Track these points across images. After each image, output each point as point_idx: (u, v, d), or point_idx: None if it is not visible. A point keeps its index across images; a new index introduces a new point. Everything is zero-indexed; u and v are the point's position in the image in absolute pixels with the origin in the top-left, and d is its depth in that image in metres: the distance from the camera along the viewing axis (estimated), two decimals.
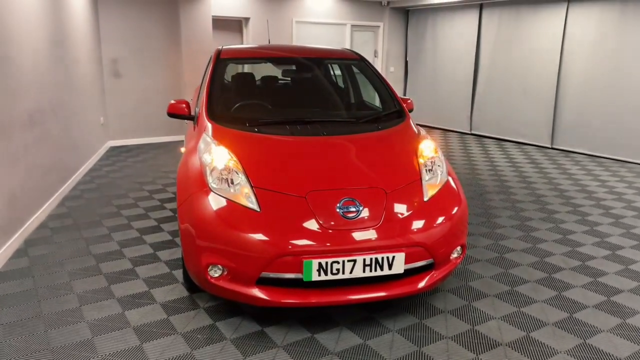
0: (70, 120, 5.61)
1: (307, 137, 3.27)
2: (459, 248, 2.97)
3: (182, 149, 3.91)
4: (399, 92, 10.40)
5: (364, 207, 2.74)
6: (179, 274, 3.47)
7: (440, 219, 2.84)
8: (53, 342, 2.67)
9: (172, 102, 3.74)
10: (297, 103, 4.15)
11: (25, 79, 4.22)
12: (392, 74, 10.52)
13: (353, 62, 4.35)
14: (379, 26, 10.29)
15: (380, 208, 2.76)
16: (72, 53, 5.80)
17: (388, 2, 10.11)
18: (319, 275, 2.59)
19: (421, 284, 2.80)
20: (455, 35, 9.50)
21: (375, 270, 2.65)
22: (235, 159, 2.92)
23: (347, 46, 9.90)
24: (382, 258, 2.64)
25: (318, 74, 4.40)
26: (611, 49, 7.25)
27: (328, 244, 2.60)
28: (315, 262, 2.56)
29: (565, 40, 7.80)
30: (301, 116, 3.66)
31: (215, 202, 2.73)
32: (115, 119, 7.83)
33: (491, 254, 3.90)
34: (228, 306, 3.05)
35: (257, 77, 4.52)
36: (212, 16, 8.20)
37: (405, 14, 10.53)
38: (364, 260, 2.62)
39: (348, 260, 2.60)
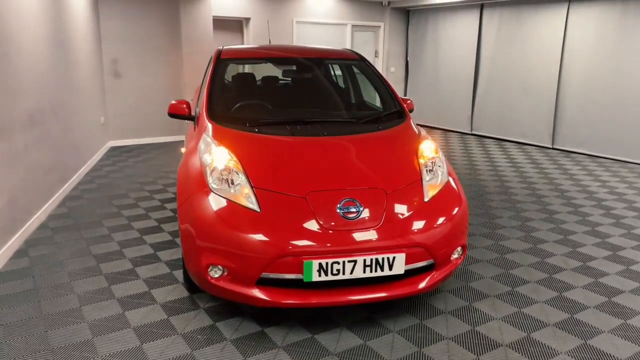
0: (71, 120, 5.61)
1: (308, 137, 3.27)
2: (459, 249, 2.96)
3: (183, 149, 3.91)
4: (399, 93, 10.41)
5: (365, 208, 2.73)
6: (179, 274, 3.47)
7: (440, 220, 2.83)
8: (53, 342, 2.67)
9: (173, 102, 3.74)
10: (297, 103, 4.14)
11: (26, 79, 4.22)
12: (392, 74, 10.51)
13: (353, 62, 4.35)
14: (379, 26, 10.29)
15: (380, 208, 2.76)
16: (72, 53, 5.80)
17: (389, 2, 10.11)
18: (320, 275, 2.58)
19: (422, 285, 2.80)
20: (456, 35, 9.49)
21: (376, 270, 2.64)
22: (235, 159, 2.92)
23: (348, 46, 9.89)
24: (383, 259, 2.63)
25: (318, 74, 4.40)
26: (612, 49, 7.24)
27: (328, 245, 2.59)
28: (315, 263, 2.56)
29: (566, 40, 7.79)
30: (301, 116, 3.65)
31: (215, 202, 2.73)
32: (116, 119, 7.83)
33: (492, 254, 3.90)
34: (228, 307, 3.04)
35: (258, 77, 4.52)
36: (213, 16, 8.20)
37: (406, 14, 10.52)
38: (365, 260, 2.61)
39: (348, 261, 2.59)
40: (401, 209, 2.80)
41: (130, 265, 3.61)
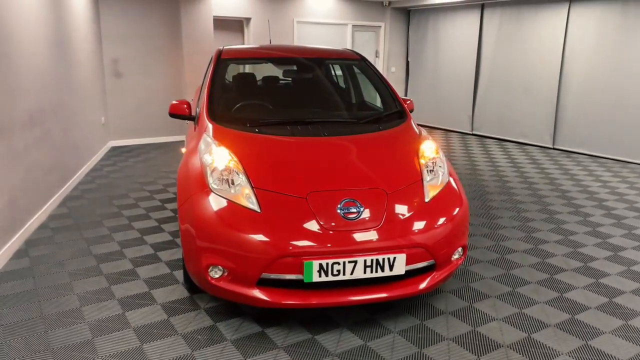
0: (71, 120, 5.61)
1: (308, 137, 3.26)
2: (460, 249, 2.96)
3: (183, 150, 3.91)
4: (400, 93, 10.41)
5: (365, 208, 2.73)
6: (179, 274, 3.47)
7: (441, 220, 2.83)
8: (53, 342, 2.67)
9: (174, 102, 3.74)
10: (298, 103, 4.14)
11: (26, 79, 4.22)
12: (393, 74, 10.51)
13: (354, 62, 4.34)
14: (380, 26, 10.28)
15: (381, 209, 2.75)
16: (72, 53, 5.80)
17: (389, 2, 10.10)
18: (320, 276, 2.58)
19: (422, 285, 2.79)
20: (456, 35, 9.49)
21: (376, 271, 2.64)
22: (235, 159, 2.92)
23: (348, 46, 9.89)
24: (383, 259, 2.63)
25: (319, 74, 4.40)
26: (613, 49, 7.24)
27: (329, 245, 2.59)
28: (315, 263, 2.55)
29: (566, 40, 7.79)
30: (302, 116, 3.65)
31: (215, 202, 2.73)
32: (116, 119, 7.83)
33: (492, 255, 3.89)
34: (228, 307, 3.04)
35: (258, 77, 4.51)
36: (213, 16, 8.20)
37: (407, 14, 10.52)
38: (365, 261, 2.61)
39: (349, 262, 2.59)
40: (402, 210, 2.80)
41: (131, 265, 3.61)
